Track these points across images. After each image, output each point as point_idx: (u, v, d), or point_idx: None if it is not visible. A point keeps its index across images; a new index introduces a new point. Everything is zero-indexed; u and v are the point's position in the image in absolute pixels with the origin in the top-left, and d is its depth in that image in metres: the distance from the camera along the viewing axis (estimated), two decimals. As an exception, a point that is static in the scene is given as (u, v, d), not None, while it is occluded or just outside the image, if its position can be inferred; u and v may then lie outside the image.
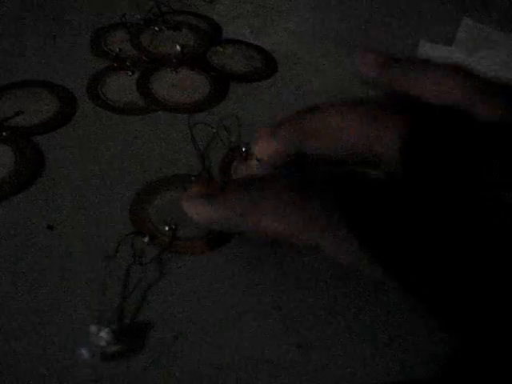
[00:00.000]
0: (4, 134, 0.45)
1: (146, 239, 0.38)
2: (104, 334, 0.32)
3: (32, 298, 0.34)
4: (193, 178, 0.42)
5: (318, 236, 0.30)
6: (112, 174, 0.43)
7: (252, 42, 0.58)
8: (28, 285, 0.35)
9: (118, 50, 0.55)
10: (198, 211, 0.36)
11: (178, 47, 0.55)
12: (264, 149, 0.36)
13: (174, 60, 0.54)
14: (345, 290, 0.37)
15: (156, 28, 0.58)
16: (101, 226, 0.39)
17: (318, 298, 0.36)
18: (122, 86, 0.51)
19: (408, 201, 0.29)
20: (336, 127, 0.34)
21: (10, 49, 0.54)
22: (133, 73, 0.52)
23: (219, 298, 0.36)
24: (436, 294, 0.29)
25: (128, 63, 0.53)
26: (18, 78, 0.51)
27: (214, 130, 0.46)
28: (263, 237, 0.33)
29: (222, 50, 0.56)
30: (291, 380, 0.32)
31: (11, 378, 0.31)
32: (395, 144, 0.30)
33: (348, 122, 0.33)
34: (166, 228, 0.38)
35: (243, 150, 0.44)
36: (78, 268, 0.36)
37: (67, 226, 0.38)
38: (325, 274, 0.37)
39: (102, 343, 0.32)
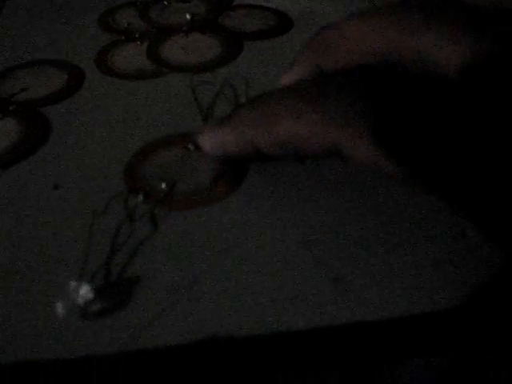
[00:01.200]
0: (11, 108, 0.43)
1: (140, 197, 0.34)
2: (83, 291, 0.28)
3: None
4: (193, 136, 0.38)
5: (337, 135, 0.27)
6: (117, 135, 0.40)
7: (265, 5, 0.56)
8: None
9: (126, 24, 0.53)
10: (212, 139, 0.33)
11: (187, 16, 0.52)
12: (287, 81, 0.33)
13: (184, 27, 0.51)
14: (377, 221, 0.32)
15: (165, 2, 0.56)
16: (98, 185, 0.36)
17: (349, 230, 0.32)
18: (130, 56, 0.49)
19: (433, 100, 0.26)
20: (354, 36, 0.31)
21: (18, 32, 0.53)
22: (142, 43, 0.50)
23: (237, 242, 0.32)
24: (458, 190, 0.26)
25: (137, 35, 0.51)
26: (26, 59, 0.49)
27: (218, 87, 0.42)
28: (281, 149, 0.30)
29: (233, 13, 0.54)
30: (329, 315, 0.28)
31: None
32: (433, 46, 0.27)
33: (367, 28, 0.30)
34: (163, 185, 0.35)
35: None
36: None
37: (68, 187, 0.36)
38: (354, 206, 0.33)
39: (81, 301, 0.28)
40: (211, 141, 0.33)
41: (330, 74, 0.31)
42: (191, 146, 0.37)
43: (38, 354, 0.27)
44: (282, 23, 0.52)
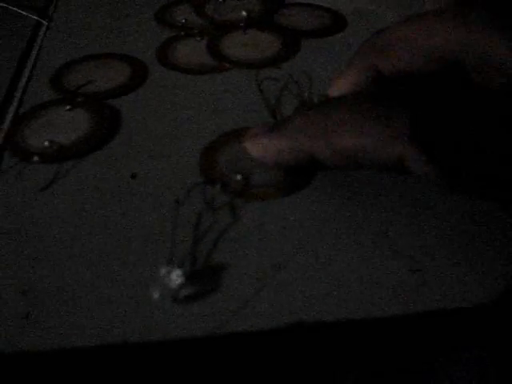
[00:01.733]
0: (79, 99, 0.44)
1: (218, 187, 0.35)
2: (175, 276, 0.29)
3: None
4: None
5: (404, 147, 0.27)
6: (186, 128, 0.41)
7: (317, 3, 0.57)
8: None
9: (183, 20, 0.54)
10: (265, 145, 0.33)
11: (243, 13, 0.53)
12: (339, 86, 0.33)
13: (241, 24, 0.52)
14: (454, 211, 0.33)
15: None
16: (175, 175, 0.37)
17: (425, 221, 0.33)
18: (191, 51, 0.50)
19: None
20: (415, 36, 0.30)
21: (75, 26, 0.55)
22: (201, 38, 0.51)
23: (314, 233, 0.33)
24: None
25: (196, 31, 0.52)
26: (87, 53, 0.51)
27: (282, 83, 0.44)
28: (342, 161, 0.30)
29: (287, 11, 0.55)
30: (408, 303, 0.29)
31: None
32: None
33: (429, 29, 0.30)
34: (238, 177, 0.36)
35: (315, 101, 0.42)
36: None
37: (145, 177, 0.37)
38: (430, 198, 0.34)
39: (173, 285, 0.29)
40: (262, 147, 0.33)
41: (386, 82, 0.31)
42: None
43: (128, 336, 0.28)
44: (336, 22, 0.53)
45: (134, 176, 0.37)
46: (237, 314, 0.29)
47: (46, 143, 0.39)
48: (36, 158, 0.39)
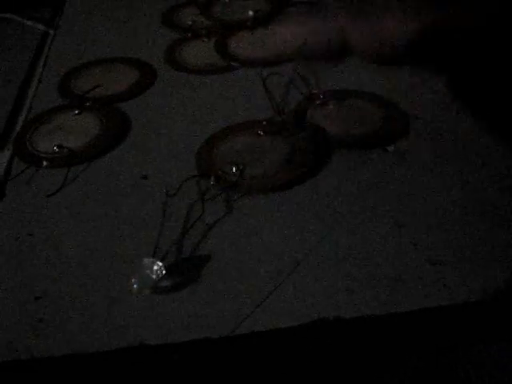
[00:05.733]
0: (87, 104, 0.44)
1: (212, 180, 0.35)
2: (156, 267, 0.29)
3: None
4: (264, 122, 0.39)
5: None
6: (194, 127, 0.41)
7: (326, 0, 0.56)
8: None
9: (190, 22, 0.53)
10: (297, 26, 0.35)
11: (250, 12, 0.53)
12: None
13: (248, 23, 0.52)
14: (472, 204, 0.32)
15: (226, 0, 0.56)
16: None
17: (444, 211, 0.32)
18: (199, 52, 0.49)
19: None
20: None
21: (86, 33, 0.55)
22: (209, 39, 0.51)
23: (322, 228, 0.32)
24: None
25: (203, 32, 0.52)
26: (96, 57, 0.50)
27: (288, 76, 0.44)
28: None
29: (294, 9, 0.54)
30: (427, 296, 0.28)
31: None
32: None
33: None
34: (234, 169, 0.35)
35: (321, 96, 0.41)
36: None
37: (155, 177, 0.36)
38: (446, 191, 0.33)
39: (154, 277, 0.29)
40: (293, 29, 0.34)
41: None
42: (261, 132, 0.38)
43: (143, 338, 0.27)
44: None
45: (145, 177, 0.36)
46: (256, 313, 0.28)
47: (56, 148, 0.39)
48: (46, 163, 0.38)
